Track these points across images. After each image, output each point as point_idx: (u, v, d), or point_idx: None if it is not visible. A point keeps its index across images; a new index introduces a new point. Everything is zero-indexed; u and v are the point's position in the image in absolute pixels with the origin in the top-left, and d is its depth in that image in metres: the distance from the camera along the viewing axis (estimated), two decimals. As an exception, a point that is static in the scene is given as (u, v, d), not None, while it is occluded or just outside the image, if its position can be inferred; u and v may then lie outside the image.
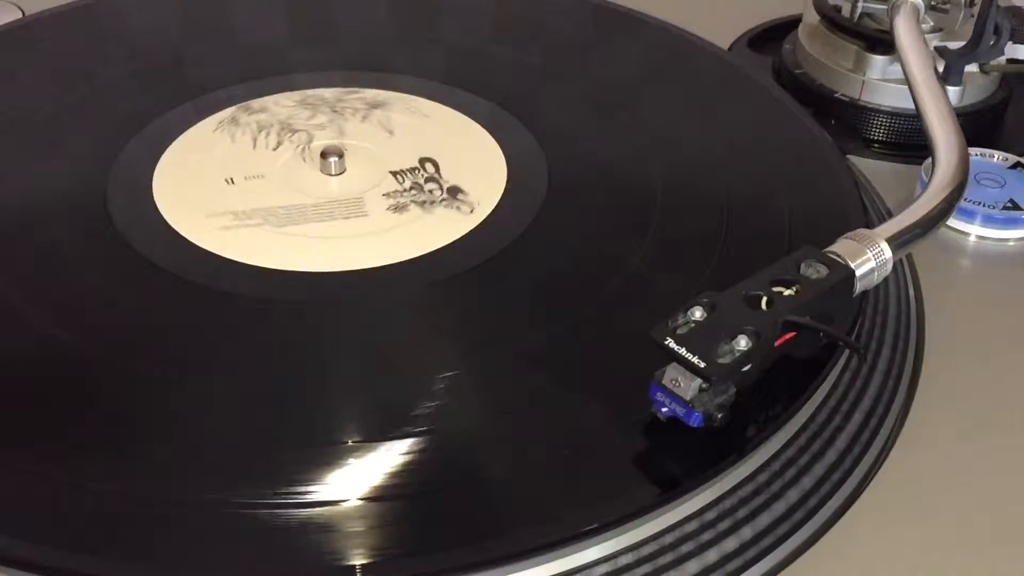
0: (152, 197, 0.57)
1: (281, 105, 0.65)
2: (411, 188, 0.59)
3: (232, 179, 0.59)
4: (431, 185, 0.59)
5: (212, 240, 0.54)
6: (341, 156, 0.60)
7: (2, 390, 0.46)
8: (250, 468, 0.42)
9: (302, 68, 0.69)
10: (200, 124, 0.63)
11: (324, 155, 0.60)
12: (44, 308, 0.50)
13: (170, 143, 0.62)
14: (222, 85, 0.67)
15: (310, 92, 0.66)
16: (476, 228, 0.55)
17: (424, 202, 0.58)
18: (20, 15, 0.77)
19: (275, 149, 0.61)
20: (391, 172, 0.60)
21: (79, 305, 0.50)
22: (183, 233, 0.54)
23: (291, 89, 0.67)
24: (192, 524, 0.40)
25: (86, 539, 0.39)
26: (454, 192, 0.58)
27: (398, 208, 0.57)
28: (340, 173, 0.60)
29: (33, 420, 0.44)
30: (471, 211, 0.57)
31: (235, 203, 0.57)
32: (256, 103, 0.65)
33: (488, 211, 0.57)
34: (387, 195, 0.58)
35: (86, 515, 0.40)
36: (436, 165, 0.61)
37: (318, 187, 0.59)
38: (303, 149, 0.61)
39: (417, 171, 0.60)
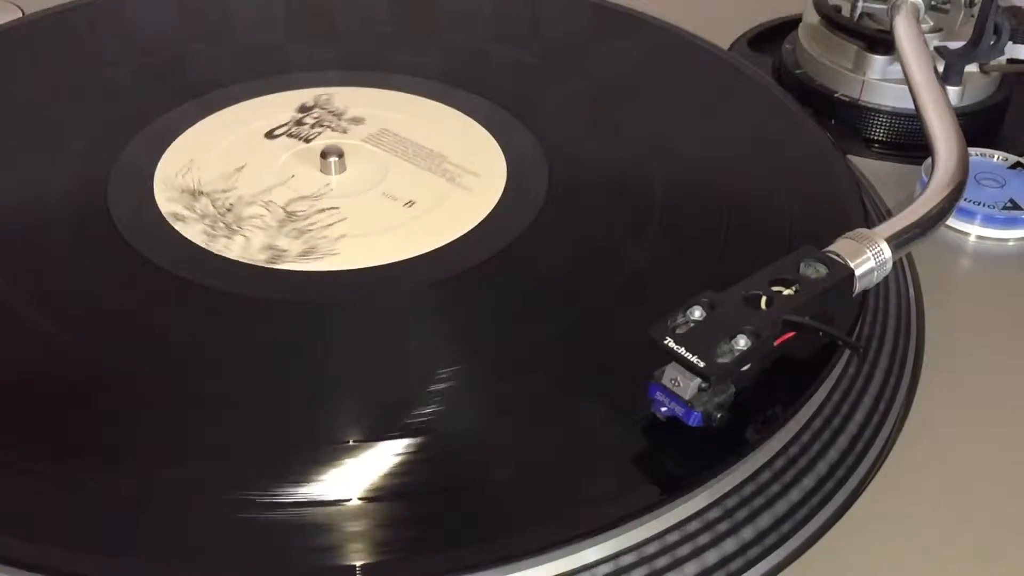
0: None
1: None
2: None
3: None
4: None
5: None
6: (341, 156, 0.60)
7: (2, 390, 0.46)
8: (250, 468, 0.42)
9: (302, 67, 0.69)
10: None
11: (324, 155, 0.60)
12: (44, 308, 0.50)
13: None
14: (223, 83, 0.67)
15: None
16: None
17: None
18: (20, 15, 0.77)
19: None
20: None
21: (79, 305, 0.50)
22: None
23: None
24: (192, 524, 0.40)
25: (86, 539, 0.39)
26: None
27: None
28: (340, 173, 0.60)
29: (33, 420, 0.44)
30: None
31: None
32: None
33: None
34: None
35: (86, 515, 0.40)
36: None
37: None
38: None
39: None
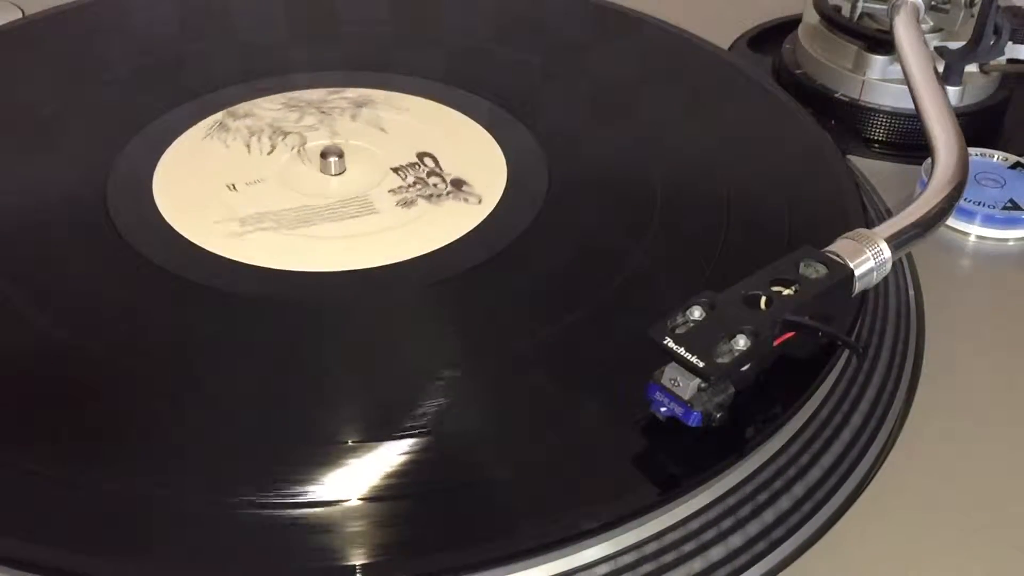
0: (152, 197, 0.57)
1: (266, 108, 0.65)
2: (415, 183, 0.59)
3: (234, 184, 0.59)
4: (434, 179, 0.59)
5: (216, 242, 0.54)
6: (341, 156, 0.60)
7: (2, 390, 0.46)
8: (250, 468, 0.42)
9: (302, 68, 0.69)
10: (195, 127, 0.63)
11: (324, 155, 0.60)
12: (44, 308, 0.50)
13: (171, 143, 0.62)
14: (223, 85, 0.67)
15: (292, 94, 0.66)
16: (476, 228, 0.55)
17: (431, 195, 0.58)
18: (20, 15, 0.77)
19: (270, 153, 0.61)
20: (392, 169, 0.60)
21: (79, 305, 0.50)
22: (184, 233, 0.54)
23: (292, 89, 0.67)
24: (192, 524, 0.40)
25: (86, 539, 0.39)
26: (459, 184, 0.59)
27: (406, 203, 0.57)
28: (340, 173, 0.60)
29: (33, 420, 0.44)
30: (479, 201, 0.57)
31: (241, 206, 0.57)
32: (240, 108, 0.65)
33: (488, 211, 0.57)
34: (392, 191, 0.58)
35: (86, 515, 0.40)
36: (435, 159, 0.61)
37: (321, 187, 0.59)
38: (299, 151, 0.61)
39: (418, 166, 0.60)
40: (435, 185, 0.59)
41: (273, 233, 0.55)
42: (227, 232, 0.55)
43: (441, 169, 0.60)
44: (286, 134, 0.63)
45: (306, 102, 0.66)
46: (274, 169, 0.60)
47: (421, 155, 0.61)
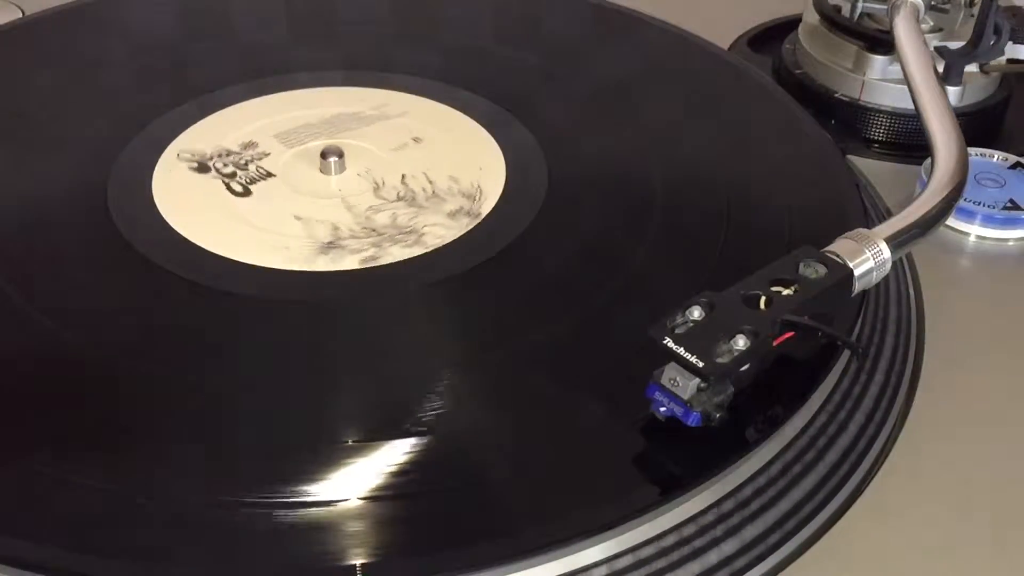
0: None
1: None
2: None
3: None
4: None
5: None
6: (341, 156, 0.60)
7: (2, 390, 0.46)
8: (250, 468, 0.42)
9: (303, 67, 0.69)
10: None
11: (324, 155, 0.60)
12: (44, 308, 0.50)
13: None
14: (223, 84, 0.67)
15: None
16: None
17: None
18: (20, 15, 0.77)
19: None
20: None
21: (79, 305, 0.50)
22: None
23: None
24: (192, 524, 0.40)
25: (86, 539, 0.39)
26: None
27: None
28: (340, 173, 0.60)
29: (33, 420, 0.44)
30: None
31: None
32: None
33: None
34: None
35: (86, 515, 0.40)
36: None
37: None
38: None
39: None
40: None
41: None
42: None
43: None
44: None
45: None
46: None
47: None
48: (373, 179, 0.59)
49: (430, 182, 0.59)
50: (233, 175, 0.59)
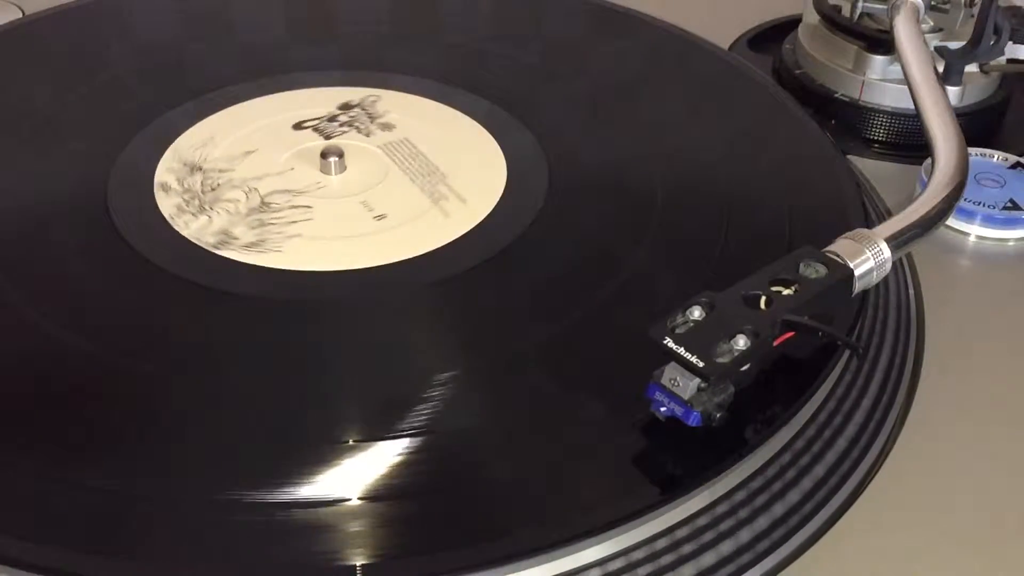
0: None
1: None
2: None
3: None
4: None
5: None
6: (341, 156, 0.60)
7: (2, 390, 0.46)
8: (250, 468, 0.42)
9: (302, 67, 0.69)
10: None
11: (324, 155, 0.60)
12: (44, 308, 0.50)
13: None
14: (223, 84, 0.67)
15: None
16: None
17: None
18: (20, 15, 0.77)
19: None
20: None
21: (80, 305, 0.50)
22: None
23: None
24: (192, 524, 0.40)
25: (85, 539, 0.39)
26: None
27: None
28: (340, 173, 0.60)
29: (33, 420, 0.44)
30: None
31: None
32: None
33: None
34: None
35: (86, 515, 0.40)
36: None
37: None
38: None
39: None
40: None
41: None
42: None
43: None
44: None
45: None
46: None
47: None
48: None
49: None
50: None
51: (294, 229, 0.55)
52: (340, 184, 0.59)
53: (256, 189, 0.58)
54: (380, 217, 0.56)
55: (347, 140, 0.62)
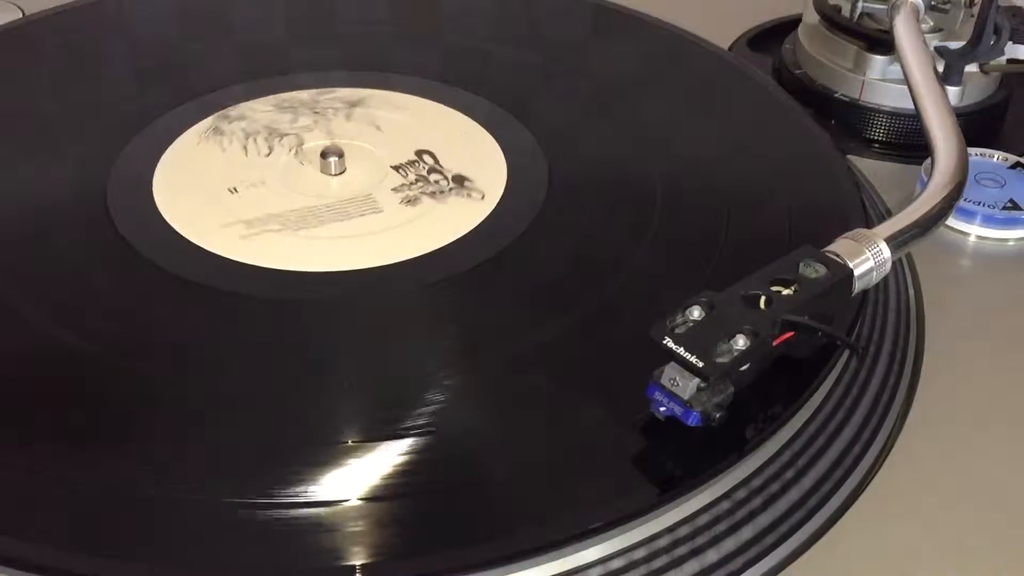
0: (152, 197, 0.57)
1: (259, 111, 0.64)
2: (417, 180, 0.59)
3: (235, 186, 0.59)
4: (436, 176, 0.59)
5: (217, 243, 0.54)
6: (341, 156, 0.60)
7: (2, 390, 0.46)
8: (249, 468, 0.42)
9: (302, 67, 0.69)
10: (193, 128, 0.63)
11: (324, 155, 0.60)
12: (44, 308, 0.50)
13: (171, 143, 0.62)
14: (223, 85, 0.67)
15: (284, 96, 0.66)
16: (476, 228, 0.55)
17: (434, 192, 0.58)
18: (20, 15, 0.77)
19: (268, 155, 0.61)
20: (392, 167, 0.60)
21: (79, 305, 0.50)
22: (184, 233, 0.54)
23: (292, 89, 0.67)
24: (192, 524, 0.40)
25: (85, 539, 0.39)
26: (461, 180, 0.59)
27: (409, 201, 0.57)
28: (341, 173, 0.60)
29: (33, 420, 0.44)
30: (482, 196, 0.57)
31: (243, 208, 0.57)
32: (233, 111, 0.64)
33: (488, 211, 0.57)
34: (395, 190, 0.58)
35: (85, 515, 0.40)
36: (435, 157, 0.61)
37: (322, 187, 0.59)
38: (296, 151, 0.61)
39: (418, 164, 0.60)
40: (437, 182, 0.59)
41: (275, 234, 0.55)
42: (230, 234, 0.55)
43: (442, 166, 0.60)
44: (283, 135, 0.63)
45: (299, 102, 0.65)
46: (274, 170, 0.60)
47: (420, 153, 0.61)
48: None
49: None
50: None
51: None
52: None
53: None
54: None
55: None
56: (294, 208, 0.57)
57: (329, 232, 0.55)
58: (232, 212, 0.56)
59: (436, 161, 0.61)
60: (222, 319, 0.50)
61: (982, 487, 0.47)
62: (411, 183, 0.59)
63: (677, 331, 0.42)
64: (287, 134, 0.63)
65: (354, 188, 0.59)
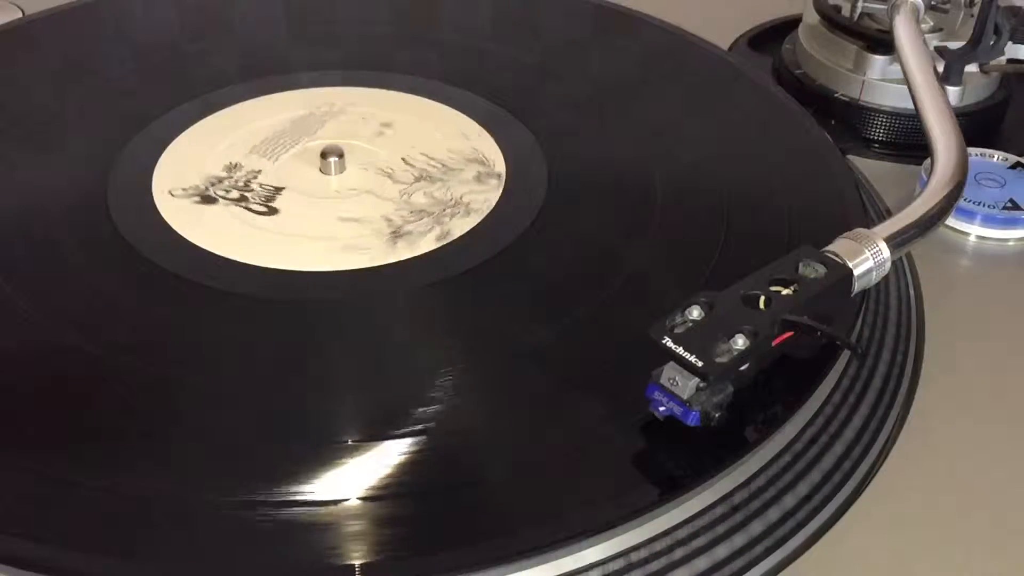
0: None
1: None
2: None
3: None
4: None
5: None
6: (341, 156, 0.60)
7: (2, 390, 0.46)
8: (250, 468, 0.42)
9: (302, 67, 0.69)
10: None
11: (324, 155, 0.60)
12: (44, 308, 0.50)
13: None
14: (222, 84, 0.67)
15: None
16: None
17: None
18: (20, 15, 0.77)
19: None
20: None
21: (80, 305, 0.50)
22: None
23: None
24: (192, 524, 0.40)
25: (85, 539, 0.39)
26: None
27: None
28: (341, 172, 0.60)
29: (33, 420, 0.44)
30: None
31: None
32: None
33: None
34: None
35: (85, 515, 0.40)
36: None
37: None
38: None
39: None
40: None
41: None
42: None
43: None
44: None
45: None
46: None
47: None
48: (374, 178, 0.59)
49: (431, 179, 0.59)
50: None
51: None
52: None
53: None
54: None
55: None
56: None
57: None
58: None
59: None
60: (222, 319, 0.50)
61: (982, 487, 0.47)
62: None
63: (676, 331, 0.42)
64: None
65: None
